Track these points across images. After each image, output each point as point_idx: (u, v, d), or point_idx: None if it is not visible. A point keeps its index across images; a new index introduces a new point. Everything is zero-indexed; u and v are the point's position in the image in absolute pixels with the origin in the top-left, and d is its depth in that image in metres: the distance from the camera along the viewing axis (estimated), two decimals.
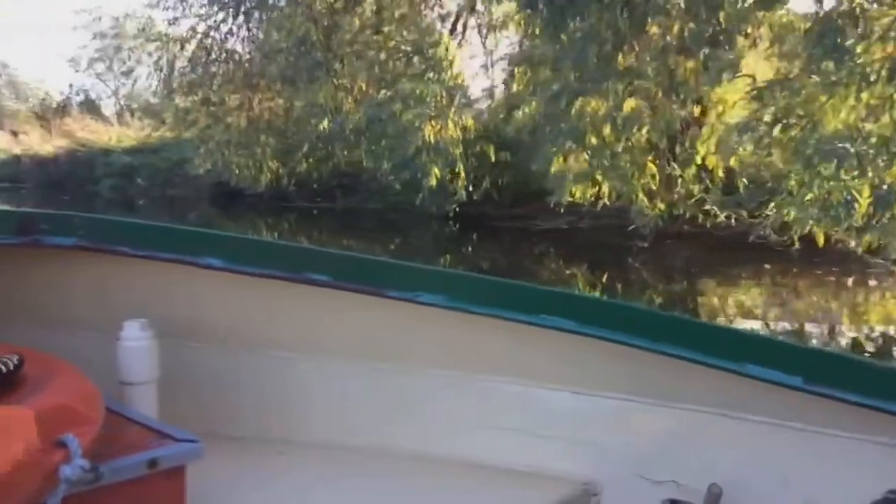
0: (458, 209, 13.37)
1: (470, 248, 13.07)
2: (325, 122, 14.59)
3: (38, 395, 1.21)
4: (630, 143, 9.52)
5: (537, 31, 10.96)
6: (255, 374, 1.94)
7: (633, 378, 1.71)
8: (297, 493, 1.71)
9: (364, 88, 14.74)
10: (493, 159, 12.87)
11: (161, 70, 20.78)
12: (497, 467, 1.80)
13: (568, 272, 10.57)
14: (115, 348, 1.72)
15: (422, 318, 1.78)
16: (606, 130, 9.40)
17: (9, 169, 26.67)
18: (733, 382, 1.55)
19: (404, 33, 14.62)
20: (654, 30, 8.96)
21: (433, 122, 11.22)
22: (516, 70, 13.48)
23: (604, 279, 9.89)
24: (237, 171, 16.81)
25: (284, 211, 18.35)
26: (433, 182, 12.43)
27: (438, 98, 11.47)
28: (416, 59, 13.37)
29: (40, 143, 29.59)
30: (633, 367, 1.68)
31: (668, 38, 8.90)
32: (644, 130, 9.33)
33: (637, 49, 9.22)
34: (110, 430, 1.31)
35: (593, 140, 9.52)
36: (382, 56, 14.23)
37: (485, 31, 17.09)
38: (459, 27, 16.94)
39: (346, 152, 16.47)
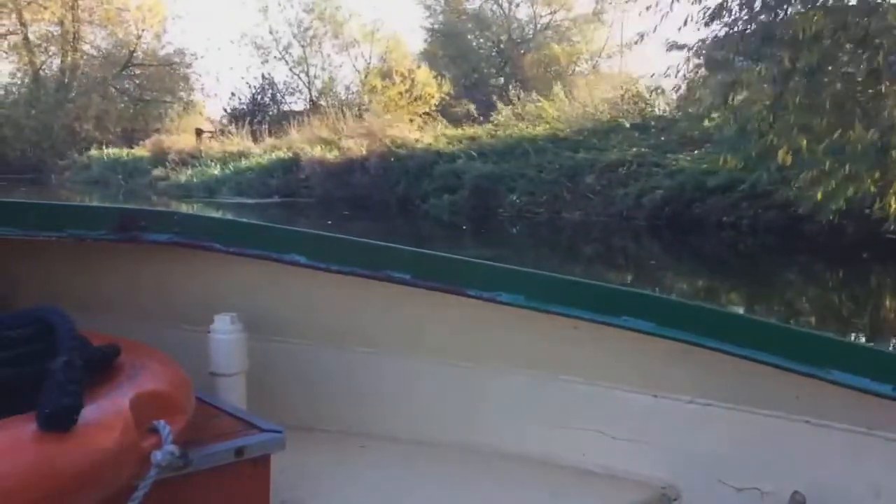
0: None
1: None
2: None
3: (132, 383, 1.24)
4: None
5: None
6: (338, 370, 1.95)
7: (715, 382, 1.67)
8: (377, 486, 1.72)
9: None
10: None
11: None
12: (574, 468, 1.78)
13: None
14: (206, 340, 1.75)
15: (500, 318, 1.77)
16: None
17: (278, 176, 20.65)
18: (818, 389, 1.52)
19: None
20: None
21: None
22: None
23: None
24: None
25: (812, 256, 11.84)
26: None
27: None
28: None
29: (246, 144, 23.84)
30: (714, 371, 1.65)
31: None
32: None
33: None
34: (200, 419, 1.36)
35: None
36: None
37: None
38: None
39: None
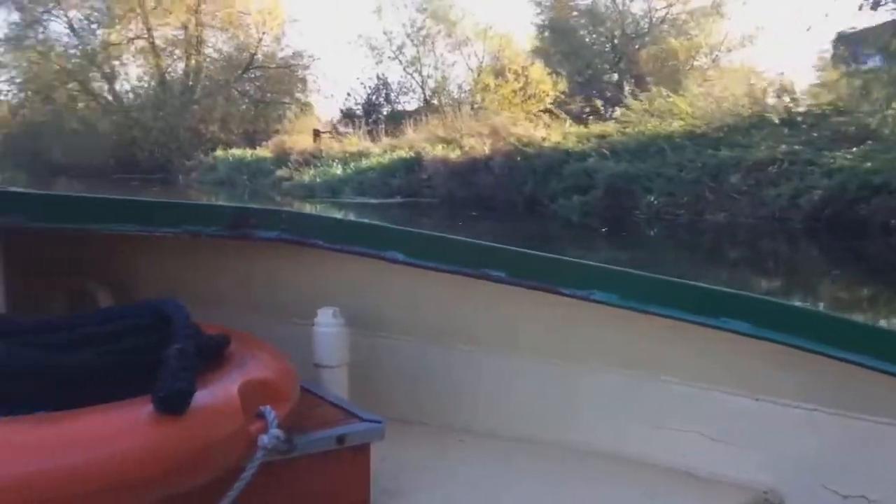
0: None
1: None
2: None
3: (241, 371, 1.30)
4: None
5: None
6: (438, 365, 1.96)
7: (818, 386, 1.63)
8: (474, 480, 1.72)
9: None
10: None
11: None
12: (673, 469, 1.75)
13: None
14: (311, 333, 1.81)
15: (595, 317, 1.77)
16: None
17: (400, 176, 20.43)
18: None
19: None
20: None
21: None
22: None
23: None
24: None
25: None
26: None
27: None
28: None
29: (367, 144, 23.69)
30: (817, 375, 1.61)
31: None
32: None
33: None
34: (304, 408, 1.43)
35: None
36: None
37: None
38: None
39: None
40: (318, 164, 23.01)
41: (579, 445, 1.83)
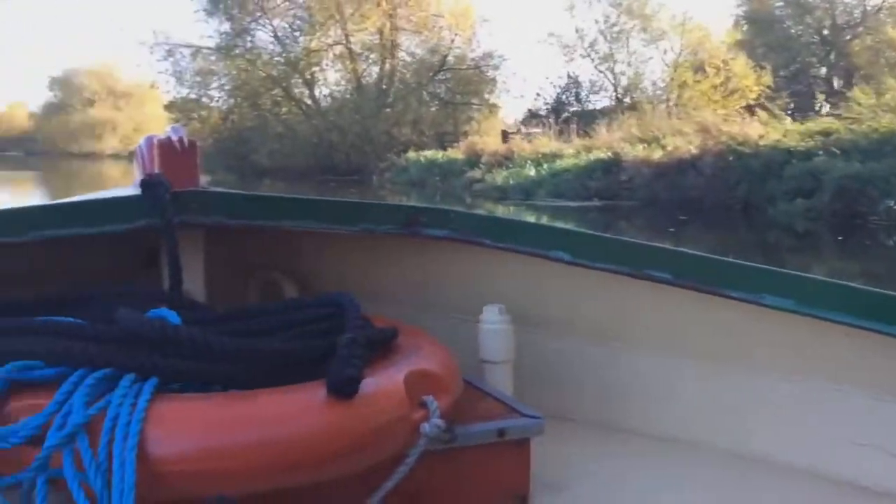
0: None
1: None
2: None
3: (406, 362, 1.36)
4: None
5: None
6: (598, 364, 1.98)
7: None
8: (634, 480, 1.71)
9: None
10: None
11: None
12: (848, 484, 1.67)
13: None
14: (477, 329, 1.86)
15: (767, 321, 1.73)
16: None
17: (597, 178, 19.67)
18: None
19: None
20: None
21: None
22: None
23: None
24: None
25: None
26: None
27: None
28: None
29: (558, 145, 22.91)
30: None
31: None
32: None
33: None
34: (467, 401, 1.50)
35: None
36: None
37: None
38: None
39: None
40: (510, 166, 22.63)
41: (745, 453, 1.79)
